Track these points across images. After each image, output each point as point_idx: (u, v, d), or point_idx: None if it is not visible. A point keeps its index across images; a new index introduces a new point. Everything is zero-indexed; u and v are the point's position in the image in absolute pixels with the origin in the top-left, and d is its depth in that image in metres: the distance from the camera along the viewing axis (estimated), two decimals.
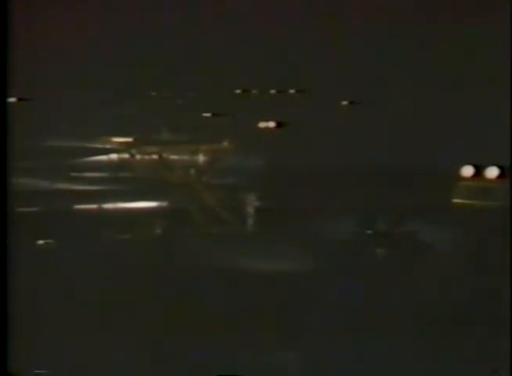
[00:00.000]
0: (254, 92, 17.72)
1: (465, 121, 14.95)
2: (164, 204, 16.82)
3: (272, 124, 17.21)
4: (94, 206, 16.66)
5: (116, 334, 11.01)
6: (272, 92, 17.71)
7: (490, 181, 13.81)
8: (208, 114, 17.83)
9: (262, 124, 17.30)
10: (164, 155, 18.69)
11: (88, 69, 16.46)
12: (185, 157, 18.66)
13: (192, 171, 18.18)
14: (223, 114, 17.67)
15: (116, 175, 18.05)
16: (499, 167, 13.79)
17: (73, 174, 17.64)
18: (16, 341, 9.59)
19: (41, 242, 14.44)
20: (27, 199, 14.92)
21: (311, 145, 16.54)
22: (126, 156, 18.64)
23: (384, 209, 15.00)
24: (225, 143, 18.34)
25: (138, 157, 18.79)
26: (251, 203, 16.59)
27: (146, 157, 18.80)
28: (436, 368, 10.31)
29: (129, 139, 18.71)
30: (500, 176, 13.78)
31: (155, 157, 18.81)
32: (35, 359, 10.23)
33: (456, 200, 14.13)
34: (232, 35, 16.14)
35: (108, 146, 18.44)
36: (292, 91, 17.53)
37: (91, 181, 17.70)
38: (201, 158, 18.39)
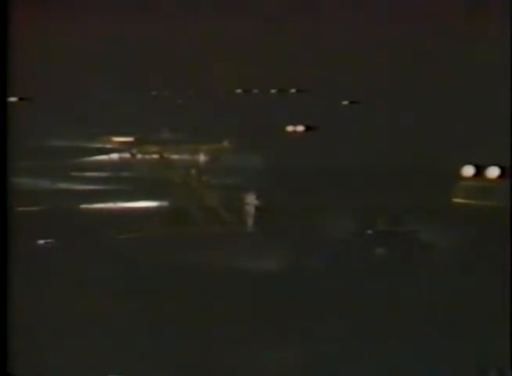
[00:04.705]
0: (255, 91, 17.71)
1: (465, 121, 14.95)
2: (165, 203, 16.82)
3: (300, 127, 17.15)
4: (94, 206, 16.66)
5: (116, 335, 11.01)
6: (273, 91, 17.69)
7: (491, 181, 13.83)
8: (214, 114, 17.84)
9: (290, 128, 17.24)
10: (165, 154, 18.70)
11: (88, 69, 16.47)
12: (187, 157, 18.66)
13: (194, 171, 18.18)
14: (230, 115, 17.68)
15: (116, 174, 18.05)
16: (500, 167, 13.81)
17: (74, 173, 17.65)
18: (16, 341, 9.60)
19: (41, 242, 14.45)
20: (27, 199, 14.92)
21: (311, 145, 16.54)
22: (127, 155, 18.65)
23: (384, 209, 15.00)
24: (226, 143, 18.34)
25: (138, 156, 18.80)
26: (251, 202, 16.59)
27: (147, 156, 18.81)
28: (436, 368, 10.32)
29: (130, 139, 18.72)
30: (501, 176, 13.80)
31: (156, 156, 18.81)
32: (35, 359, 10.23)
33: (456, 200, 14.14)
34: (233, 35, 16.14)
35: (108, 146, 18.46)
36: (293, 90, 17.52)
37: (92, 180, 17.71)
38: (205, 158, 18.40)
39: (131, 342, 10.85)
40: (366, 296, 12.05)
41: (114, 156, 18.49)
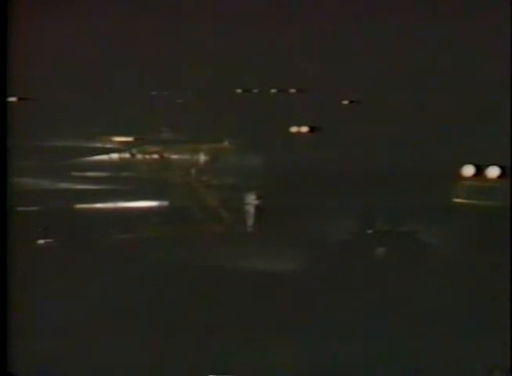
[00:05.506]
0: (255, 91, 17.72)
1: (465, 121, 14.95)
2: (165, 203, 16.83)
3: (304, 129, 17.11)
4: (94, 205, 16.66)
5: (116, 335, 11.03)
6: (273, 91, 17.69)
7: (491, 181, 13.84)
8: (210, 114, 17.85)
9: (294, 129, 17.22)
10: (165, 154, 18.72)
11: (88, 69, 16.46)
12: (187, 157, 18.67)
13: (194, 171, 18.20)
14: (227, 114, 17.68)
15: (116, 174, 18.05)
16: (500, 166, 13.81)
17: (74, 173, 17.65)
18: (16, 341, 9.62)
19: (41, 242, 14.46)
20: (27, 199, 14.93)
21: (311, 146, 16.55)
22: (126, 155, 18.66)
23: (384, 209, 15.01)
24: (226, 143, 18.34)
25: (138, 156, 18.81)
26: (252, 203, 16.59)
27: (147, 156, 18.81)
28: (436, 368, 10.33)
29: (130, 139, 18.72)
30: (501, 176, 13.81)
31: (156, 156, 18.83)
32: (35, 359, 10.25)
33: (456, 200, 14.15)
34: (232, 35, 16.14)
35: (108, 146, 18.46)
36: (293, 90, 17.52)
37: (92, 180, 17.70)
38: (205, 158, 18.41)
39: (131, 342, 10.86)
40: (366, 296, 12.07)
41: (114, 156, 18.49)
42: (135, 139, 18.73)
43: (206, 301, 12.00)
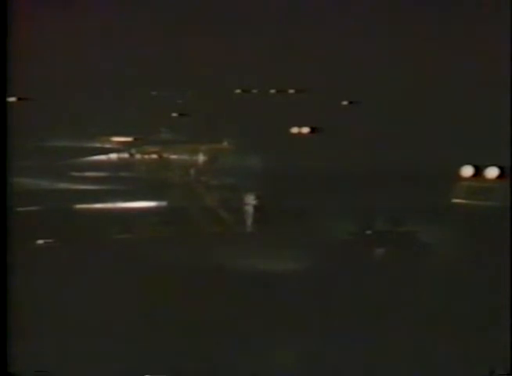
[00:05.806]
0: (254, 91, 17.74)
1: (465, 121, 14.96)
2: (164, 203, 16.84)
3: (305, 129, 17.07)
4: (94, 205, 16.67)
5: (116, 335, 11.02)
6: (272, 91, 17.71)
7: (490, 181, 13.84)
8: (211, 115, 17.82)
9: (295, 130, 17.18)
10: (165, 155, 18.74)
11: (88, 69, 16.48)
12: (186, 157, 18.69)
13: (193, 172, 18.22)
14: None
15: (116, 174, 18.08)
16: (499, 167, 13.82)
17: (74, 174, 17.68)
18: (16, 341, 9.60)
19: (41, 242, 14.46)
20: (27, 199, 14.93)
21: (311, 145, 16.56)
22: (126, 155, 18.68)
23: (384, 209, 15.01)
24: (225, 144, 18.37)
25: (138, 156, 18.84)
26: (251, 203, 16.60)
27: (146, 156, 18.85)
28: (436, 368, 10.33)
29: (129, 139, 18.76)
30: (500, 176, 13.81)
31: (155, 156, 18.85)
32: (35, 359, 10.24)
33: (456, 200, 14.15)
34: (232, 35, 16.16)
35: (108, 146, 18.51)
36: (292, 91, 17.53)
37: (92, 180, 17.72)
38: (204, 158, 18.43)
39: (130, 342, 10.85)
40: (366, 296, 12.07)
41: (114, 156, 18.51)
42: (135, 139, 18.76)
43: (203, 300, 12.00)
